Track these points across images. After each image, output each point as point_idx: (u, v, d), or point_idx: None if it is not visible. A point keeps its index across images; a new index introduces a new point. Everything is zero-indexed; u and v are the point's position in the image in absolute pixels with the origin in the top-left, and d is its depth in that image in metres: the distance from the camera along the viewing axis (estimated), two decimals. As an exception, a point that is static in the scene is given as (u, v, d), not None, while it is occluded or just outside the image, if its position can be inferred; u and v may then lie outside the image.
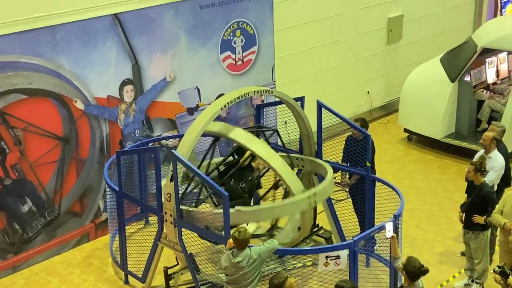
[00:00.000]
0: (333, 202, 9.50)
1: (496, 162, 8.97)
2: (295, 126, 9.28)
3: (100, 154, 10.08)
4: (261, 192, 9.15)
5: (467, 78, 12.71)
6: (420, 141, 13.11)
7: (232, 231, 7.25)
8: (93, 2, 9.55)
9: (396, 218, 7.84)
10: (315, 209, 9.22)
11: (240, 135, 8.44)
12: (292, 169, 8.78)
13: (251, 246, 7.20)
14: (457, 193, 10.76)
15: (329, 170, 8.75)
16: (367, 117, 13.66)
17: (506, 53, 13.39)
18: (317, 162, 9.03)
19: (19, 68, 9.04)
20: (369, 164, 8.88)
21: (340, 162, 9.50)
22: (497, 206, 8.34)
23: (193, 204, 8.29)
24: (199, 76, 10.98)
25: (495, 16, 16.46)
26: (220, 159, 9.11)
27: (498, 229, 8.59)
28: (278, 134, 9.01)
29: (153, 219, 10.04)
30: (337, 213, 9.45)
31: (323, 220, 9.44)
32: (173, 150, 7.91)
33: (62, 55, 9.37)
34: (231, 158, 8.85)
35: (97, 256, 9.91)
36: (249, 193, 8.60)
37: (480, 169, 8.40)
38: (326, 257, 7.45)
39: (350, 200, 9.76)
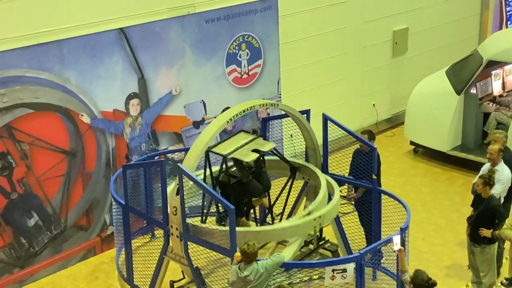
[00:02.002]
0: (339, 216, 9.48)
1: (502, 174, 8.93)
2: (301, 139, 9.28)
3: (106, 168, 10.09)
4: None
5: (473, 91, 12.70)
6: (427, 153, 13.08)
7: (241, 245, 7.24)
8: (99, 16, 9.61)
9: (403, 231, 7.81)
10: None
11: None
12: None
13: (258, 260, 7.20)
14: (464, 206, 10.71)
15: (336, 188, 8.70)
16: (373, 129, 13.65)
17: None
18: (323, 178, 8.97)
19: (26, 82, 9.08)
20: (375, 177, 8.87)
21: (346, 175, 9.48)
22: (507, 221, 8.28)
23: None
24: (204, 89, 11.00)
25: (500, 28, 16.46)
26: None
27: (507, 242, 8.54)
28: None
29: (159, 232, 10.02)
30: (343, 226, 9.42)
31: (329, 233, 9.42)
32: (179, 164, 7.91)
33: (69, 69, 9.41)
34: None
35: (103, 270, 9.90)
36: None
37: (489, 182, 8.35)
38: (333, 270, 7.43)
39: (356, 213, 9.73)
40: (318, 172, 9.00)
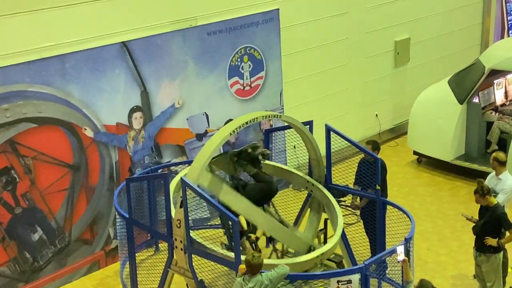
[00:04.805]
0: (343, 226, 9.46)
1: (505, 183, 8.93)
2: (304, 150, 9.28)
3: (110, 181, 10.10)
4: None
5: (476, 100, 12.70)
6: (430, 163, 13.06)
7: (246, 256, 7.24)
8: (102, 30, 9.64)
9: (407, 241, 7.79)
10: (325, 233, 9.20)
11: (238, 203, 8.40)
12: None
13: (262, 272, 7.18)
14: (469, 215, 10.69)
15: (339, 218, 8.67)
16: (376, 140, 13.68)
17: (514, 74, 13.39)
18: (327, 197, 8.98)
19: (29, 97, 9.10)
20: (379, 187, 8.86)
21: (349, 185, 9.48)
22: None
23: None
24: (207, 102, 11.02)
25: (502, 37, 16.48)
26: None
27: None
28: None
29: (163, 245, 10.00)
30: (347, 237, 9.40)
31: (334, 244, 9.39)
32: (182, 177, 7.91)
33: (72, 83, 9.44)
34: None
35: (108, 284, 9.88)
36: None
37: (484, 192, 8.32)
38: (338, 281, 7.41)
39: (360, 224, 9.72)
40: (333, 201, 8.96)
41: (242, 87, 11.47)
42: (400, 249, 7.42)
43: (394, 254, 7.63)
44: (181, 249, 8.01)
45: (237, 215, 8.09)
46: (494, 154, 9.23)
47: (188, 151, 10.92)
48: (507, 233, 8.34)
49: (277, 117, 8.91)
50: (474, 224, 8.70)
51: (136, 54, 9.99)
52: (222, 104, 11.21)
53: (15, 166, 9.16)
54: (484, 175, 9.59)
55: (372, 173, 8.95)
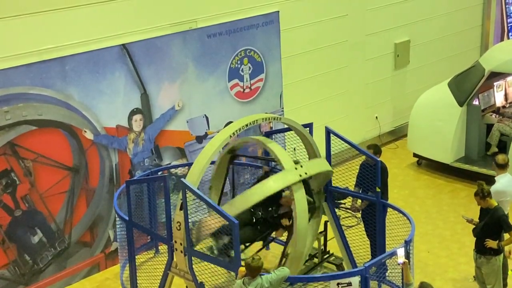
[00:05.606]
0: (343, 229, 9.47)
1: (494, 186, 8.96)
2: (304, 152, 9.28)
3: (110, 184, 10.10)
4: None
5: (476, 102, 12.70)
6: (430, 165, 13.06)
7: (246, 259, 7.24)
8: (102, 33, 9.65)
9: (407, 243, 7.79)
10: (325, 235, 9.20)
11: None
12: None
13: (262, 274, 7.18)
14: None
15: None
16: (376, 142, 13.66)
17: (514, 76, 13.39)
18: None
19: (29, 99, 9.10)
20: (379, 190, 8.86)
21: (349, 187, 9.48)
22: None
23: None
24: (207, 104, 11.02)
25: (502, 39, 16.49)
26: None
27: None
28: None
29: (163, 248, 10.00)
30: (347, 239, 9.40)
31: (333, 246, 9.40)
32: (182, 179, 7.91)
33: (72, 85, 9.44)
34: None
35: (108, 286, 9.88)
36: (262, 223, 8.54)
37: (484, 194, 8.33)
38: (338, 284, 7.40)
39: (360, 226, 9.72)
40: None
41: (242, 90, 11.47)
42: (400, 252, 7.41)
43: (394, 257, 7.62)
44: (181, 252, 8.01)
45: None
46: (495, 157, 9.25)
47: (188, 153, 10.92)
48: (507, 235, 8.35)
49: (277, 119, 8.91)
50: (474, 226, 8.70)
51: (136, 56, 9.99)
52: (222, 107, 11.21)
53: (15, 168, 9.16)
54: (484, 177, 9.60)
55: (373, 176, 8.95)
